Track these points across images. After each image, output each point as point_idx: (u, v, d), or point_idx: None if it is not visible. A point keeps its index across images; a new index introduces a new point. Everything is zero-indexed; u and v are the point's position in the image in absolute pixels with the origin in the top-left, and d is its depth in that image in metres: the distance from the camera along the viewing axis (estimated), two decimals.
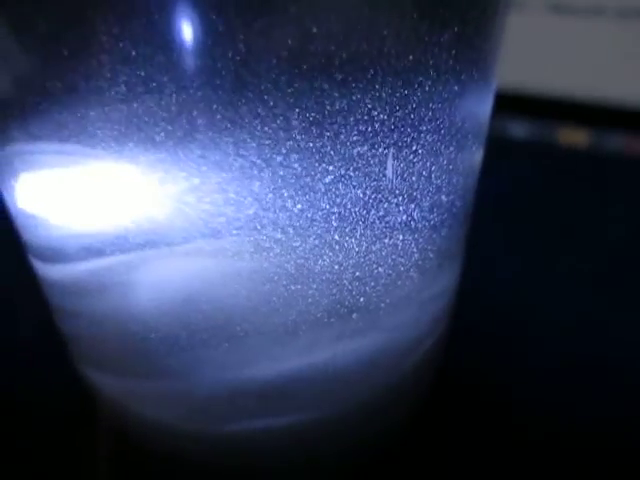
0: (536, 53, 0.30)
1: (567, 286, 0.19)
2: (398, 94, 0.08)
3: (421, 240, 0.10)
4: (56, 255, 0.10)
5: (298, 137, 0.08)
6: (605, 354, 0.16)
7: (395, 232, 0.09)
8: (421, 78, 0.08)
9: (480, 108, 0.10)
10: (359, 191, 0.09)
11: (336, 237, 0.09)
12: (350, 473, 0.12)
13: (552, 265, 0.20)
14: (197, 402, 0.10)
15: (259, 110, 0.08)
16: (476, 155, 0.11)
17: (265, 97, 0.07)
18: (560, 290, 0.19)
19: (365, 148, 0.08)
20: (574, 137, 0.29)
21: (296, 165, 0.08)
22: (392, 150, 0.08)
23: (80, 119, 0.08)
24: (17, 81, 0.08)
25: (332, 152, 0.08)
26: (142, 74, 0.07)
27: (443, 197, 0.10)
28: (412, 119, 0.08)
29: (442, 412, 0.14)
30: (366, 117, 0.08)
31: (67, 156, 0.08)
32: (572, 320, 0.18)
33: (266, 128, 0.08)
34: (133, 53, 0.07)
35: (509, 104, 0.30)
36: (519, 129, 0.30)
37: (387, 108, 0.08)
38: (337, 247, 0.09)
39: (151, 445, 0.11)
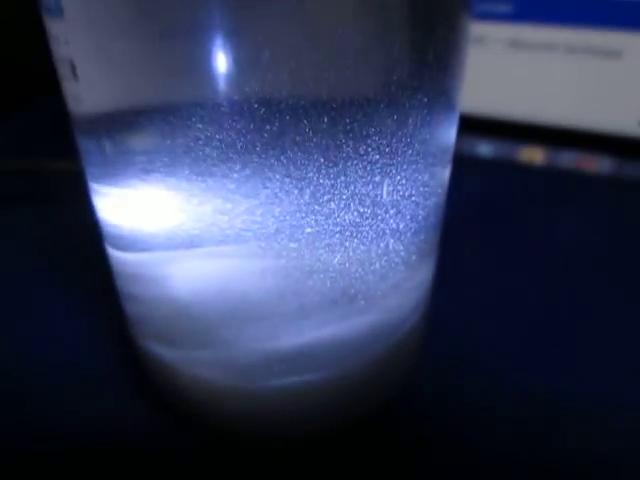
0: (499, 83, 0.32)
1: (524, 287, 0.22)
2: (385, 140, 0.11)
3: (405, 243, 0.12)
4: (127, 245, 0.12)
5: (310, 175, 0.10)
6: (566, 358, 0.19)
7: (385, 238, 0.12)
8: (402, 124, 0.11)
9: (448, 136, 0.13)
10: (356, 212, 0.11)
11: (340, 244, 0.12)
12: (353, 425, 0.15)
13: (510, 268, 0.23)
14: (239, 365, 0.13)
15: (281, 158, 0.10)
16: (445, 176, 0.13)
17: (286, 149, 0.10)
18: (517, 292, 0.22)
19: (360, 183, 0.11)
20: (532, 155, 0.32)
21: (307, 196, 0.11)
22: (381, 180, 0.11)
23: (153, 158, 0.11)
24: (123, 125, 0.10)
25: (336, 186, 0.11)
26: (195, 138, 0.10)
27: (420, 210, 0.12)
28: (395, 157, 0.11)
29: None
30: (360, 159, 0.10)
31: (140, 180, 0.11)
32: (524, 326, 0.20)
33: (286, 170, 0.10)
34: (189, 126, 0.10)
35: (477, 127, 0.33)
36: (485, 149, 0.33)
37: (376, 150, 0.11)
38: (341, 251, 0.12)
39: (201, 404, 0.14)
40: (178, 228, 0.11)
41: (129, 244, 0.13)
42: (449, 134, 0.13)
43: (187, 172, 0.10)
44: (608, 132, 0.30)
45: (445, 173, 0.13)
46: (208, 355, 0.13)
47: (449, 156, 0.13)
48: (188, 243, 0.11)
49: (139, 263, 0.13)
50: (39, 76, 0.36)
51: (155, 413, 0.16)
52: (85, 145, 0.12)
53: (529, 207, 0.27)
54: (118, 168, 0.11)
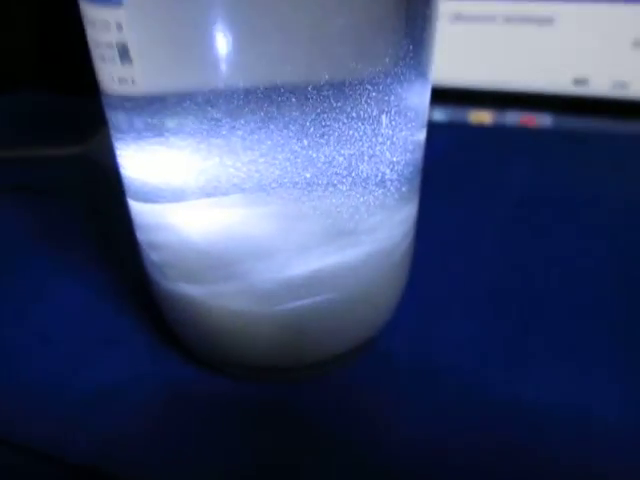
0: (446, 54, 0.34)
1: (483, 227, 0.24)
2: (378, 100, 0.12)
3: (398, 173, 0.14)
4: (151, 197, 0.14)
5: (309, 132, 0.12)
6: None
7: (380, 180, 0.13)
8: (392, 86, 0.12)
9: (426, 98, 0.14)
10: (356, 148, 0.12)
11: (339, 187, 0.13)
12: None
13: (469, 211, 0.25)
14: (256, 293, 0.14)
15: (280, 107, 0.11)
16: (424, 129, 0.15)
17: (284, 114, 0.11)
18: (477, 232, 0.24)
19: (360, 118, 0.12)
20: (481, 117, 0.34)
21: (299, 148, 0.12)
22: (378, 114, 0.12)
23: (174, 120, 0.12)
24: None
25: (329, 139, 0.12)
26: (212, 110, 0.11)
27: (409, 155, 0.14)
28: (389, 94, 0.12)
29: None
30: (355, 116, 0.12)
31: (162, 142, 0.12)
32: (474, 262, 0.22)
33: (284, 130, 0.12)
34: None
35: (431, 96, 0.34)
36: (440, 114, 0.35)
37: (370, 109, 0.12)
38: (339, 194, 0.13)
39: (225, 333, 0.15)
40: (192, 181, 0.13)
41: (153, 196, 0.14)
42: (426, 94, 0.14)
43: (200, 132, 0.12)
44: (546, 92, 0.32)
45: (424, 127, 0.15)
46: (229, 287, 0.14)
47: (426, 112, 0.15)
48: (202, 193, 0.13)
49: (161, 213, 0.14)
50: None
51: (181, 360, 0.17)
52: (117, 118, 0.13)
53: (482, 161, 0.29)
54: (144, 133, 0.12)
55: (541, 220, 0.24)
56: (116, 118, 0.13)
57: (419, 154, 0.15)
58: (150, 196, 0.14)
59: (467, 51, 0.34)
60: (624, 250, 0.22)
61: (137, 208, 0.15)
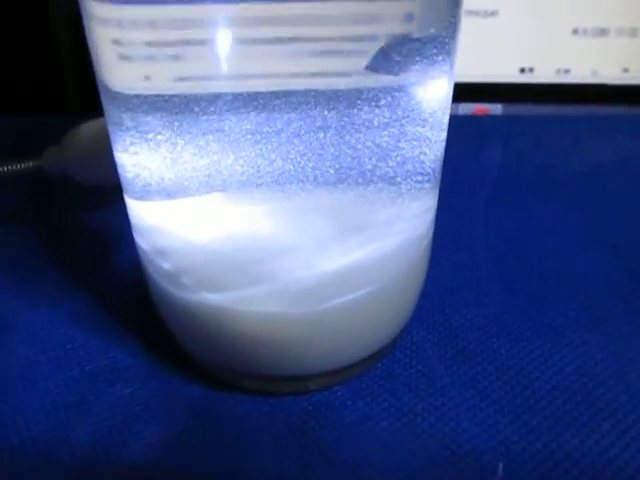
0: None
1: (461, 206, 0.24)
2: (410, 98, 0.11)
3: (420, 177, 0.13)
4: (158, 195, 0.12)
5: (325, 129, 0.11)
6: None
7: (406, 174, 0.12)
8: (423, 87, 0.12)
9: (451, 86, 0.14)
10: (382, 151, 0.12)
11: (367, 181, 0.12)
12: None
13: (448, 192, 0.24)
14: (288, 294, 0.13)
15: (299, 112, 0.11)
16: (446, 127, 0.14)
17: (300, 114, 0.11)
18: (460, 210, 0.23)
19: (393, 109, 0.11)
20: None
21: (317, 142, 0.11)
22: (414, 105, 0.12)
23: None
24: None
25: (353, 133, 0.11)
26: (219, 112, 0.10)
27: (437, 150, 0.13)
28: (425, 110, 0.12)
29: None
30: (382, 118, 0.11)
31: (177, 134, 0.11)
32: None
33: (306, 124, 0.11)
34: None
35: None
36: None
37: (402, 105, 0.11)
38: (367, 188, 0.12)
39: (257, 340, 0.13)
40: (202, 176, 0.11)
41: (165, 193, 0.12)
42: (452, 73, 0.14)
43: (208, 129, 0.11)
44: (494, 81, 0.33)
45: (447, 124, 0.14)
46: (255, 291, 0.13)
47: (449, 103, 0.14)
48: (214, 188, 0.12)
49: (173, 212, 0.12)
50: None
51: (193, 380, 0.16)
52: (130, 116, 0.11)
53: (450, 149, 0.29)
54: (159, 130, 0.11)
55: (522, 197, 0.24)
56: (129, 117, 0.11)
57: (444, 142, 0.14)
58: (162, 194, 0.12)
59: None
60: (602, 215, 0.23)
61: (143, 211, 0.13)
